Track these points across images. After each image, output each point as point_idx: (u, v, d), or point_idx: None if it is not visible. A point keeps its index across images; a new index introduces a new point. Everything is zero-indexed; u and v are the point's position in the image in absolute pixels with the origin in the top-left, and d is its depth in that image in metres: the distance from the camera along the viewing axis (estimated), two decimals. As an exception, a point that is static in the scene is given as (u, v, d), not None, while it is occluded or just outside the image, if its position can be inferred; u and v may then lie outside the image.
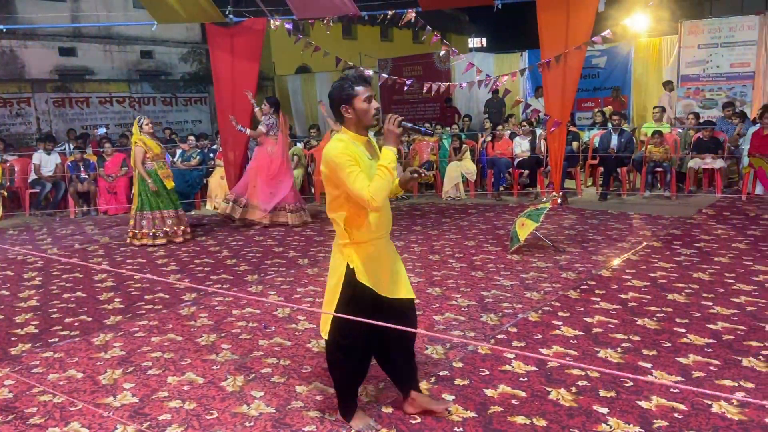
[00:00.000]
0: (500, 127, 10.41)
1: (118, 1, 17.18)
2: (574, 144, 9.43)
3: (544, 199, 8.40)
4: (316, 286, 5.20)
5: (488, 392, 3.14)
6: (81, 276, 5.87)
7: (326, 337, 2.79)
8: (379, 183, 2.52)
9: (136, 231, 7.07)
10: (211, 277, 5.66)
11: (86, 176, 9.76)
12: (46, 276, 5.94)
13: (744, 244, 5.88)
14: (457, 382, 3.26)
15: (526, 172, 9.39)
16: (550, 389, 3.15)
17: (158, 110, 16.21)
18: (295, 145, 10.71)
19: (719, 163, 8.66)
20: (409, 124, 2.67)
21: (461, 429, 2.83)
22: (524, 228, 5.84)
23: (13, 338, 4.28)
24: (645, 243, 6.11)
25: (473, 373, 3.36)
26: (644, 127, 10.09)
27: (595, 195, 8.98)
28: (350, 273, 2.67)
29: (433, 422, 2.89)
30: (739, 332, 3.79)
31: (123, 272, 5.78)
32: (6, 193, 9.69)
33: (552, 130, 8.04)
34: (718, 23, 11.12)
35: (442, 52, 10.17)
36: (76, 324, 4.51)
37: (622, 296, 4.54)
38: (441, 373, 3.40)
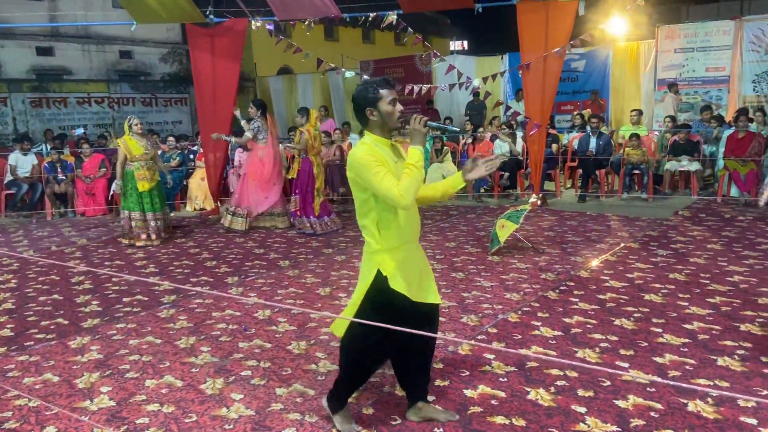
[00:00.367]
0: (481, 129, 10.47)
1: (97, 1, 16.94)
2: (554, 146, 9.53)
3: (525, 201, 8.48)
4: (297, 288, 5.19)
5: (468, 393, 3.16)
6: (58, 278, 5.78)
7: (340, 335, 2.83)
8: (409, 181, 2.51)
9: (133, 232, 7.17)
10: (191, 279, 5.61)
11: (63, 177, 9.62)
12: (21, 278, 5.84)
13: (719, 246, 5.98)
14: (438, 383, 3.27)
15: (507, 174, 9.46)
16: (529, 389, 3.17)
17: (137, 111, 16.01)
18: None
19: (695, 166, 8.81)
20: (435, 124, 2.69)
21: (441, 429, 2.84)
22: (504, 229, 5.88)
23: (-13, 342, 4.20)
24: (622, 244, 6.19)
25: (453, 374, 3.38)
26: (622, 129, 10.23)
27: (574, 197, 9.08)
28: (382, 280, 2.64)
29: (413, 423, 2.90)
30: (714, 332, 3.85)
31: (100, 272, 5.71)
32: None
33: (532, 132, 8.11)
34: (694, 28, 11.32)
35: (424, 54, 10.22)
36: (52, 327, 4.45)
37: (600, 297, 4.59)
38: (421, 374, 3.41)
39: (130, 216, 7.08)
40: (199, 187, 9.59)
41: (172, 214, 9.15)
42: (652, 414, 2.89)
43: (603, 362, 3.49)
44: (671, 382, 3.16)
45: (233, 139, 8.09)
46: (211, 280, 5.58)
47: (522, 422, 2.86)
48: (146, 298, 5.04)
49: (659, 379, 3.24)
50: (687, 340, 3.74)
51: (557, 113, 12.64)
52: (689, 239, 6.30)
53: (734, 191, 8.40)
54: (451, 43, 28.91)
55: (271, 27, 8.41)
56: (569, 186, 10.06)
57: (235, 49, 8.62)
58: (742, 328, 3.89)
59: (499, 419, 2.89)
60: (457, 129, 7.54)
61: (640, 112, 10.03)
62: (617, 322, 4.08)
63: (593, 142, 9.26)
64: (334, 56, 17.26)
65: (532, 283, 5.01)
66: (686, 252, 5.79)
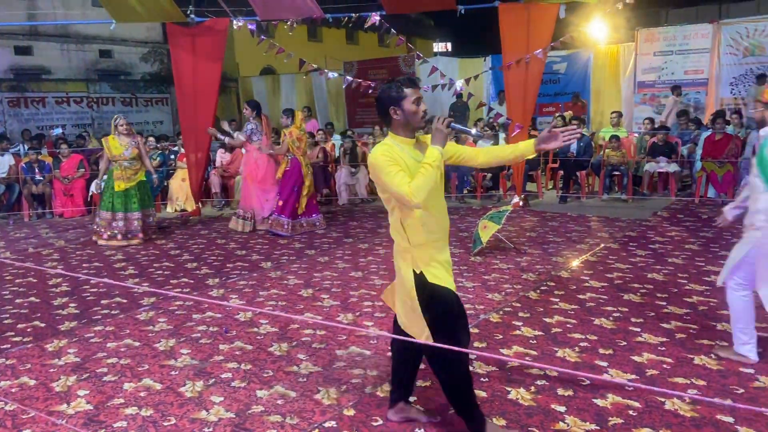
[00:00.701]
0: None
1: (76, -1, 16.78)
2: (536, 148, 9.58)
3: (507, 202, 8.52)
4: (279, 289, 5.16)
5: (449, 393, 3.16)
6: (35, 281, 5.69)
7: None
8: (421, 179, 2.46)
9: (97, 229, 7.20)
10: (171, 281, 5.56)
11: (41, 178, 9.47)
12: (-3, 281, 5.74)
13: (697, 246, 6.07)
14: (419, 383, 3.27)
15: (489, 175, 9.51)
16: (509, 389, 3.19)
17: (117, 111, 15.79)
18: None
19: (673, 167, 8.93)
20: (458, 126, 2.64)
21: (422, 430, 2.84)
22: (487, 230, 5.91)
23: (-39, 345, 4.13)
24: (603, 244, 6.25)
25: (434, 375, 3.37)
26: (602, 131, 10.33)
27: (556, 198, 9.15)
28: (421, 278, 2.58)
29: (394, 425, 2.90)
30: (691, 331, 3.91)
31: (79, 276, 5.64)
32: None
33: (513, 134, 8.16)
34: (673, 31, 11.48)
35: (407, 56, 10.23)
36: (29, 330, 4.37)
37: (580, 297, 4.64)
38: (403, 375, 3.41)
39: (100, 214, 7.17)
40: (180, 187, 9.51)
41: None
42: (630, 412, 2.92)
43: (582, 362, 3.52)
44: (642, 386, 3.20)
45: (227, 139, 8.02)
46: (192, 282, 5.53)
47: (503, 422, 2.87)
48: (125, 300, 4.98)
49: (627, 382, 3.27)
50: (665, 339, 3.78)
51: (539, 115, 12.73)
52: (667, 239, 6.38)
53: (711, 192, 8.53)
54: (435, 44, 28.98)
55: (252, 27, 8.36)
56: (551, 187, 10.14)
57: (216, 49, 8.57)
58: (719, 327, 3.95)
59: (480, 419, 2.90)
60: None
61: (620, 114, 10.15)
62: (597, 321, 4.12)
63: (574, 144, 9.35)
64: (318, 57, 17.20)
65: (513, 284, 5.04)
66: (665, 252, 5.86)
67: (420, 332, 2.60)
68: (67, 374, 3.58)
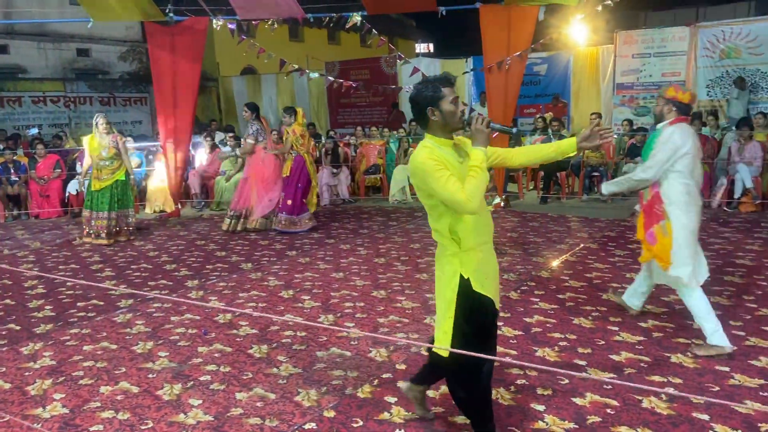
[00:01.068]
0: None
1: (53, -3, 16.51)
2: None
3: (488, 202, 8.56)
4: (260, 290, 5.13)
5: (431, 394, 3.15)
6: (10, 283, 5.59)
7: (446, 355, 2.57)
8: (474, 183, 2.37)
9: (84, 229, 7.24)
10: (149, 283, 5.49)
11: (17, 179, 9.30)
12: (-30, 283, 5.63)
13: (674, 246, 6.13)
14: (401, 384, 3.27)
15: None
16: (489, 389, 3.19)
17: (95, 110, 15.53)
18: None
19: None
20: (498, 125, 2.59)
21: (402, 430, 2.84)
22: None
23: (-68, 350, 4.03)
24: (582, 245, 6.30)
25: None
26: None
27: (536, 198, 9.22)
28: (465, 284, 2.52)
29: (375, 425, 2.89)
30: (668, 330, 3.96)
31: (55, 277, 5.54)
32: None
33: (494, 135, 8.20)
34: (652, 34, 11.63)
35: (389, 56, 10.23)
36: (3, 333, 4.29)
37: (560, 296, 4.67)
38: (384, 376, 3.41)
39: (83, 213, 7.22)
40: (158, 188, 9.39)
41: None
42: (608, 411, 2.95)
43: (561, 361, 3.54)
44: (624, 382, 3.23)
45: (238, 151, 7.90)
46: (171, 283, 5.47)
47: (482, 422, 2.88)
48: (102, 303, 4.91)
49: (607, 379, 3.31)
50: (642, 338, 3.83)
51: (520, 116, 12.81)
52: (646, 240, 6.44)
53: (689, 192, 8.63)
54: (417, 45, 29.03)
55: (232, 26, 8.30)
56: (531, 188, 10.21)
57: (195, 48, 8.49)
58: (695, 326, 3.99)
59: (461, 419, 2.91)
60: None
61: (599, 116, 10.25)
62: (576, 321, 4.15)
63: (554, 145, 9.41)
64: (299, 57, 17.07)
65: (494, 284, 5.05)
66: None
67: (443, 344, 2.54)
68: (43, 378, 3.52)
